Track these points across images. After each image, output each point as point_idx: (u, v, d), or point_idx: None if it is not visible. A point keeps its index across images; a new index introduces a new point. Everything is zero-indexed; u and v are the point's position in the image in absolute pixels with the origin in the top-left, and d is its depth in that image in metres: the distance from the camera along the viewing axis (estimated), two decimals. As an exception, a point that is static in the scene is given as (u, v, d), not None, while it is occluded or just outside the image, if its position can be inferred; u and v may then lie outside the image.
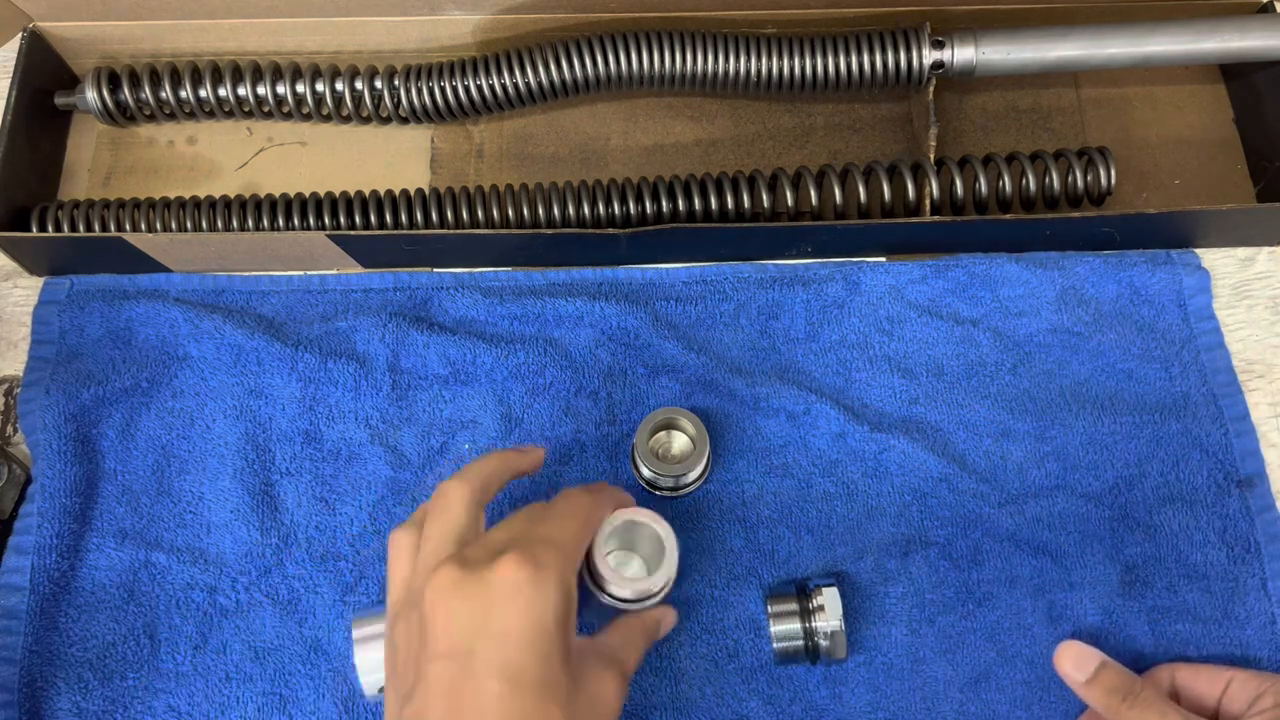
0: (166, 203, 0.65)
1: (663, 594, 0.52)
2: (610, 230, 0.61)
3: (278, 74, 0.66)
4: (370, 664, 0.52)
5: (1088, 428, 0.61)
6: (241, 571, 0.58)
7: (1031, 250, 0.64)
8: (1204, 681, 0.53)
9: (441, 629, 0.43)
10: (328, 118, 0.68)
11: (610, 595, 0.51)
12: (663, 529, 0.52)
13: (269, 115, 0.69)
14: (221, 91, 0.67)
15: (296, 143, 0.70)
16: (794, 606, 0.54)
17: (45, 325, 0.63)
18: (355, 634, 0.52)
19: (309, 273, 0.65)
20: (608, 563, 0.51)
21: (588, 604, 0.52)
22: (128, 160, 0.69)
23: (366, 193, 0.65)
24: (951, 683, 0.56)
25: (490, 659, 0.41)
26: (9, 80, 0.64)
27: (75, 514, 0.58)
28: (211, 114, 0.69)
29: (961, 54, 0.64)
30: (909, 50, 0.64)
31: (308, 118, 0.69)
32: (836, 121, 0.70)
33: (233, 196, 0.65)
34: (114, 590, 0.57)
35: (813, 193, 0.63)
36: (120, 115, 0.68)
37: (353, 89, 0.66)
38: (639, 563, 0.56)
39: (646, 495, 0.59)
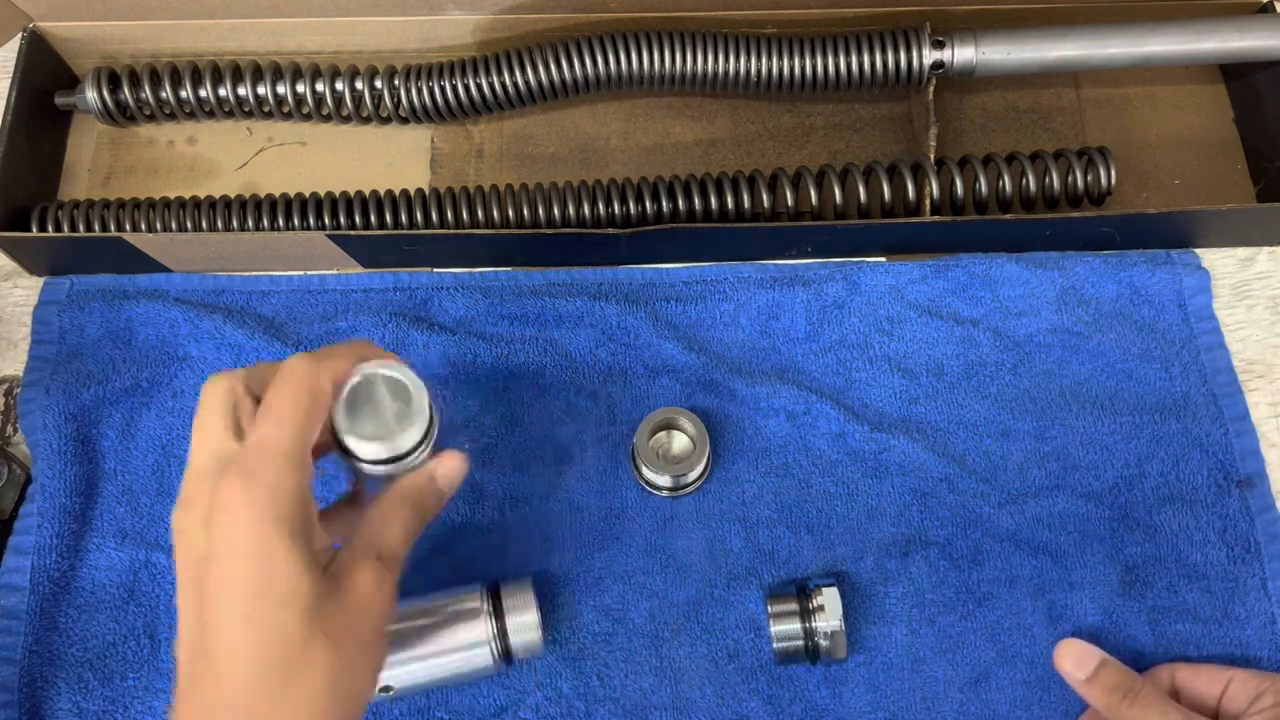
0: (166, 203, 0.65)
1: (422, 448, 0.47)
2: (610, 230, 0.61)
3: (278, 74, 0.66)
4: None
5: (1088, 428, 0.61)
6: (241, 571, 0.58)
7: (1031, 250, 0.64)
8: (1204, 681, 0.53)
9: (179, 559, 0.42)
10: (328, 118, 0.68)
11: (362, 463, 0.46)
12: (403, 374, 0.47)
13: (269, 115, 0.69)
14: (221, 91, 0.67)
15: (296, 143, 0.70)
16: (794, 606, 0.54)
17: (45, 325, 0.63)
18: None
19: (309, 273, 0.65)
20: (345, 429, 0.46)
21: (369, 484, 0.48)
22: (128, 160, 0.69)
23: (366, 193, 0.65)
24: (951, 683, 0.56)
25: (218, 580, 0.40)
26: (9, 80, 0.64)
27: (75, 514, 0.58)
28: (211, 114, 0.69)
29: (961, 54, 0.64)
30: (909, 50, 0.64)
31: (308, 118, 0.69)
32: (836, 121, 0.70)
33: (233, 196, 0.65)
34: (114, 590, 0.57)
35: (813, 193, 0.63)
36: (120, 115, 0.68)
37: (353, 89, 0.66)
38: (393, 418, 0.48)
39: (646, 495, 0.59)
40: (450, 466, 0.48)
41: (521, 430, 0.60)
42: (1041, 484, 0.60)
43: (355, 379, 0.46)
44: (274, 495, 0.41)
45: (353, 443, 0.46)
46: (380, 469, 0.47)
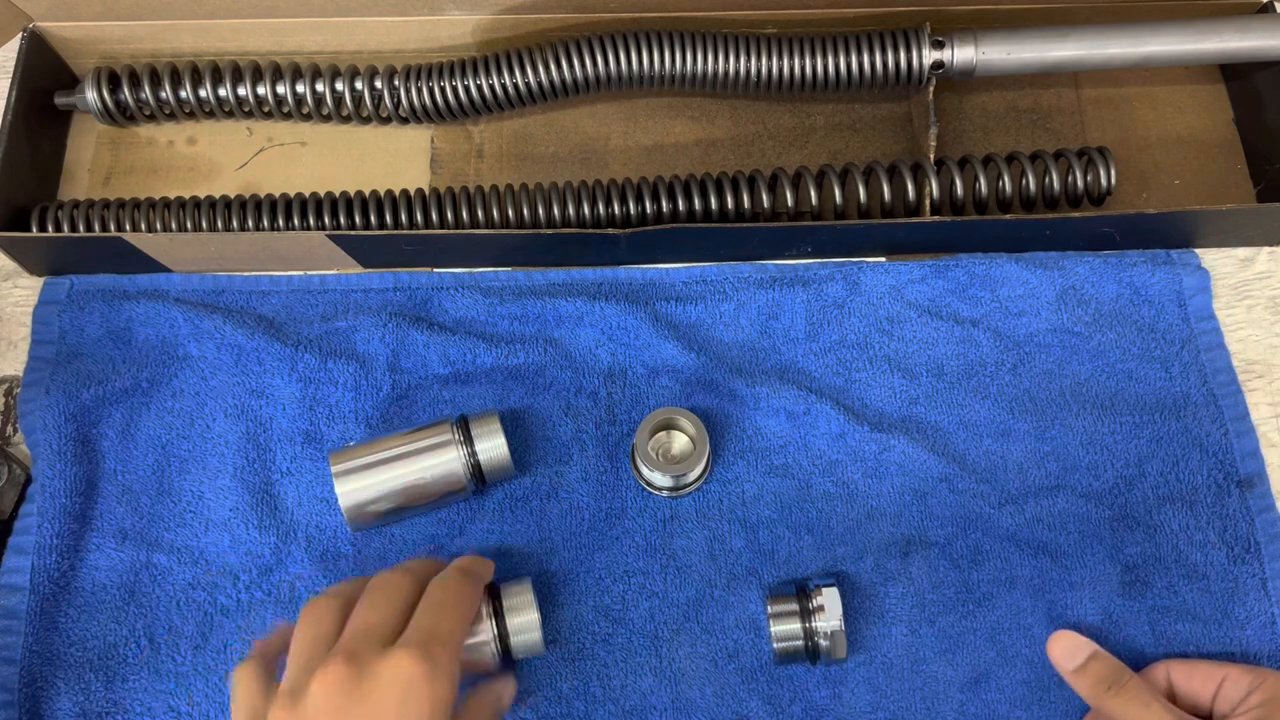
0: (166, 203, 0.65)
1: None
2: (610, 230, 0.61)
3: (278, 74, 0.66)
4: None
5: (1088, 428, 0.61)
6: (242, 570, 0.58)
7: (1031, 250, 0.64)
8: (1199, 680, 0.53)
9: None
10: (328, 118, 0.68)
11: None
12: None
13: (269, 115, 0.69)
14: (221, 91, 0.67)
15: (296, 143, 0.70)
16: (794, 606, 0.54)
17: (45, 325, 0.63)
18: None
19: (309, 273, 0.65)
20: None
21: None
22: (128, 160, 0.69)
23: (366, 193, 0.65)
24: (951, 683, 0.56)
25: None
26: (9, 80, 0.64)
27: (75, 514, 0.58)
28: (211, 114, 0.69)
29: (961, 54, 0.64)
30: (909, 50, 0.63)
31: (308, 118, 0.69)
32: (836, 121, 0.70)
33: (233, 196, 0.65)
34: (114, 590, 0.57)
35: (813, 193, 0.63)
36: (120, 115, 0.68)
37: (353, 89, 0.66)
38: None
39: (646, 495, 0.59)
40: (509, 692, 0.52)
41: (522, 430, 0.60)
42: (1041, 484, 0.60)
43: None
44: (449, 685, 0.44)
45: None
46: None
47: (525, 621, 0.53)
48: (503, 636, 0.53)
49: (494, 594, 0.54)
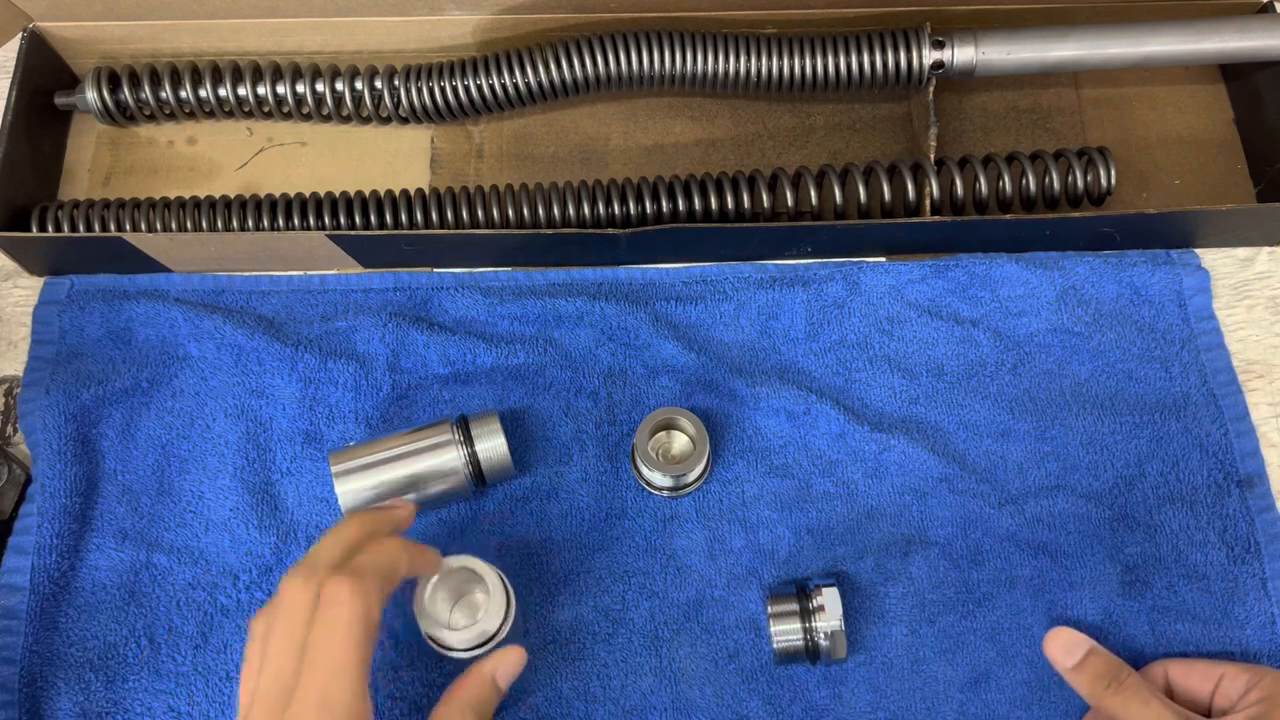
0: (166, 203, 0.65)
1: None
2: (610, 230, 0.61)
3: (278, 74, 0.66)
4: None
5: (1088, 428, 0.61)
6: (242, 570, 0.58)
7: (1031, 250, 0.64)
8: (1197, 678, 0.53)
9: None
10: (328, 118, 0.68)
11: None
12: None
13: (269, 115, 0.69)
14: (221, 91, 0.67)
15: (296, 143, 0.70)
16: (794, 606, 0.54)
17: (45, 325, 0.63)
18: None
19: (309, 273, 0.65)
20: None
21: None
22: (128, 160, 0.69)
23: (366, 193, 0.65)
24: (951, 683, 0.56)
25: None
26: (9, 80, 0.64)
27: (75, 514, 0.58)
28: (211, 114, 0.69)
29: (961, 54, 0.64)
30: (909, 50, 0.64)
31: (308, 118, 0.69)
32: (836, 121, 0.70)
33: (233, 196, 0.65)
34: (114, 590, 0.57)
35: (813, 193, 0.63)
36: (120, 115, 0.68)
37: (353, 89, 0.66)
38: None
39: (646, 495, 0.59)
40: (509, 664, 0.49)
41: (522, 430, 0.60)
42: (1041, 484, 0.60)
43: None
44: (364, 606, 0.43)
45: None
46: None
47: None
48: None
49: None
